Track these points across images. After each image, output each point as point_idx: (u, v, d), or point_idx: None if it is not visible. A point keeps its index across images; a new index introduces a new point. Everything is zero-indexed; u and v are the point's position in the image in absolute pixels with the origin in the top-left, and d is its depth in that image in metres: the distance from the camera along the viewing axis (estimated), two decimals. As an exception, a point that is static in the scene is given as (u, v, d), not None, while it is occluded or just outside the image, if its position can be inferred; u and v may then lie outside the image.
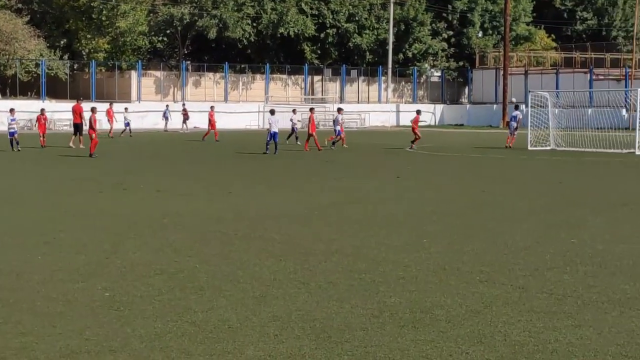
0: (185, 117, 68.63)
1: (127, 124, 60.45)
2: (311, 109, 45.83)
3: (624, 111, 65.19)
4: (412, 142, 44.82)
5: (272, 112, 41.61)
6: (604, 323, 9.55)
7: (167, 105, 72.07)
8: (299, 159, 37.43)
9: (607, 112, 51.46)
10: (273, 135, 39.68)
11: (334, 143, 44.69)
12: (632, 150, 41.89)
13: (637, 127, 42.69)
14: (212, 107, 58.41)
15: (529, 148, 45.06)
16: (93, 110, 38.22)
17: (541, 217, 18.27)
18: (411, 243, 14.81)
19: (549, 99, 47.41)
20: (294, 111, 51.51)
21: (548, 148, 45.28)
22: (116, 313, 9.88)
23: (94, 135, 37.33)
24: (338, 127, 44.74)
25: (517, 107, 48.08)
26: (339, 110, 46.69)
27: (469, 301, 10.57)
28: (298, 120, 50.07)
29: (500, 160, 37.75)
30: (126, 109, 64.19)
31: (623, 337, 9.00)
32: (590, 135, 45.71)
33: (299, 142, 47.54)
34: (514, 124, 46.81)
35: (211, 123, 55.02)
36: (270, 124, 40.23)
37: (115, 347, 8.52)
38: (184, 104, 72.10)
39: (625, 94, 61.37)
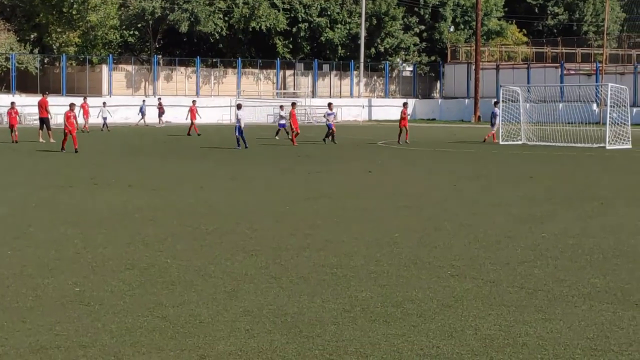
0: (161, 111, 68.59)
1: (105, 119, 60.39)
2: (293, 104, 45.73)
3: (594, 106, 65.58)
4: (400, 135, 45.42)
5: (239, 106, 41.51)
6: (574, 317, 9.60)
7: (143, 100, 71.83)
8: (271, 154, 37.39)
9: (578, 106, 51.69)
10: (240, 130, 39.50)
11: (328, 137, 44.80)
12: (602, 145, 42.14)
13: (607, 122, 42.95)
14: (194, 102, 58.26)
15: (501, 142, 45.25)
16: (71, 106, 37.78)
17: (512, 212, 18.35)
18: (383, 237, 14.83)
19: (520, 94, 47.63)
20: (281, 107, 51.24)
21: (519, 142, 45.47)
22: (86, 308, 9.84)
23: (73, 132, 36.90)
24: (329, 121, 44.73)
25: (495, 104, 48.15)
26: (330, 105, 46.83)
27: (440, 295, 10.60)
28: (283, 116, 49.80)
29: (471, 154, 37.87)
30: (104, 103, 63.93)
31: (593, 330, 9.05)
32: (561, 130, 45.95)
33: (277, 138, 47.51)
34: (493, 120, 47.11)
35: (192, 117, 54.75)
36: (238, 119, 40.09)
37: (86, 343, 8.48)
38: (159, 99, 71.87)
39: (596, 89, 61.75)
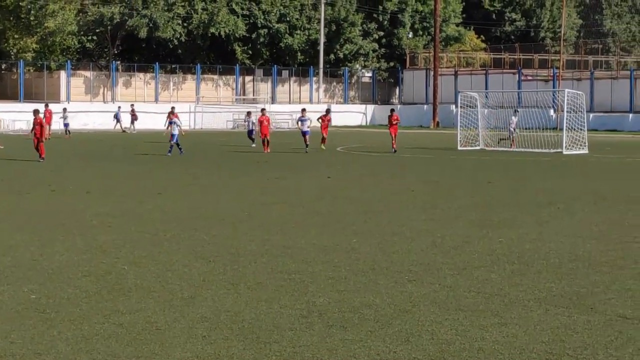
0: (134, 117, 68.49)
1: (66, 125, 60.05)
2: (262, 110, 45.44)
3: (551, 111, 66.05)
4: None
5: (172, 110, 41.59)
6: (530, 321, 9.68)
7: (119, 107, 71.45)
8: (231, 160, 37.33)
9: (536, 112, 52.03)
10: (175, 136, 39.13)
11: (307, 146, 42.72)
12: (559, 150, 42.49)
13: (564, 127, 43.33)
14: (172, 108, 56.95)
15: (459, 148, 45.47)
16: (35, 112, 36.42)
17: (470, 217, 18.44)
18: (341, 243, 14.85)
19: (478, 100, 47.93)
20: (248, 114, 50.79)
21: (477, 148, 45.74)
22: (42, 316, 9.77)
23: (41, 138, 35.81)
24: (304, 128, 42.91)
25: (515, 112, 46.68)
26: (303, 111, 45.22)
27: (397, 300, 10.64)
28: (252, 122, 49.29)
29: (429, 160, 38.04)
30: (65, 109, 63.47)
31: (548, 334, 9.13)
32: (519, 135, 46.24)
33: (253, 145, 46.63)
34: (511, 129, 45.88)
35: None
36: (177, 126, 39.70)
37: (41, 350, 8.43)
38: (132, 105, 71.57)
39: (553, 95, 62.21)
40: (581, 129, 44.11)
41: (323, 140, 44.60)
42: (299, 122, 44.07)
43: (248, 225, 16.96)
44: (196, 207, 19.92)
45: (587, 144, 43.36)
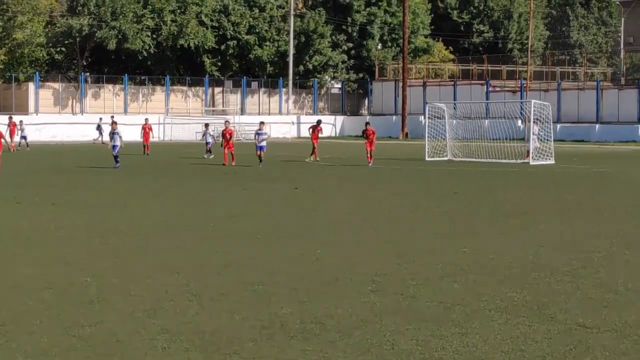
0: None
1: (24, 137, 59.61)
2: (226, 122, 45.17)
3: (519, 122, 66.36)
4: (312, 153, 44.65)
5: (114, 123, 41.07)
6: (490, 330, 9.73)
7: (100, 119, 71.10)
8: (199, 171, 37.24)
9: (503, 123, 52.23)
10: (114, 147, 38.56)
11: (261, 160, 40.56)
12: (526, 161, 42.70)
13: (531, 138, 43.57)
14: (146, 120, 57.25)
15: (427, 159, 45.60)
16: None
17: (435, 227, 18.50)
18: (306, 254, 14.87)
19: (446, 110, 48.11)
20: (206, 125, 50.69)
21: (445, 159, 45.89)
22: (1, 328, 9.71)
23: None
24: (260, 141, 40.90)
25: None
26: (261, 124, 43.46)
27: (359, 311, 10.66)
28: (210, 134, 49.19)
29: (397, 171, 38.12)
30: (21, 121, 63.05)
31: (508, 344, 9.18)
32: (486, 146, 46.38)
33: (212, 156, 46.26)
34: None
35: (145, 136, 53.54)
36: (119, 137, 39.08)
37: (0, 364, 8.39)
38: (112, 116, 71.25)
39: (521, 106, 62.49)
40: (548, 140, 44.34)
41: (313, 151, 44.90)
42: (256, 135, 41.91)
43: (213, 237, 16.95)
44: (161, 219, 19.87)
45: (553, 155, 43.59)
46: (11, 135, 57.86)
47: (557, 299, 11.38)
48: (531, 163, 42.12)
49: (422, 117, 62.98)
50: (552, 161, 42.86)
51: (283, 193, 26.93)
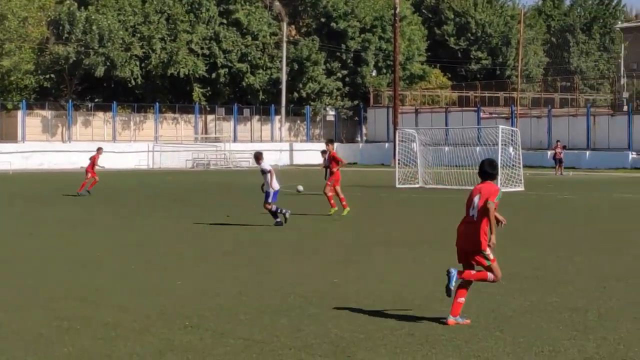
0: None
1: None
2: (98, 149, 39.83)
3: (510, 149, 65.44)
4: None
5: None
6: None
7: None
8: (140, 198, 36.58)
9: (494, 150, 51.00)
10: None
11: None
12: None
13: (499, 164, 42.64)
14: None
15: (397, 186, 44.78)
16: None
17: (328, 256, 17.69)
18: (163, 285, 14.11)
19: (417, 137, 47.37)
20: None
21: (416, 185, 45.12)
22: None
23: None
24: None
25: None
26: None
27: (147, 349, 9.89)
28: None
29: (352, 197, 37.21)
30: None
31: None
32: (462, 173, 45.16)
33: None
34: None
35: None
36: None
37: None
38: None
39: (512, 132, 61.53)
40: (517, 166, 43.53)
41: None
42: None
43: (90, 271, 16.24)
44: (42, 251, 19.19)
45: (522, 181, 42.74)
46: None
47: (373, 337, 10.56)
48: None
49: (415, 144, 62.14)
50: (521, 188, 41.99)
51: (209, 220, 26.07)
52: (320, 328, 10.98)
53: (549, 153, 70.17)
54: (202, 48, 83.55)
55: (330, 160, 28.51)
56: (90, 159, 38.45)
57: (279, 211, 23.95)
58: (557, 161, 62.31)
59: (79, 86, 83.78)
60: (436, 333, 10.67)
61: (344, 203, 27.49)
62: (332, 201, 27.65)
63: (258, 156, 24.79)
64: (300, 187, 35.01)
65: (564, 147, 65.45)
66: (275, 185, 24.19)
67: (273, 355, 9.62)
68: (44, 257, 17.71)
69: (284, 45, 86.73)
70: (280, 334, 10.69)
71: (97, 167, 38.33)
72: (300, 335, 10.62)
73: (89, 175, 37.80)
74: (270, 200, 23.99)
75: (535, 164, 71.12)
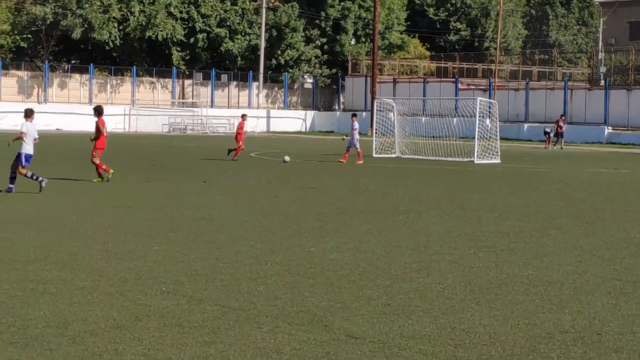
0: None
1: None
2: (243, 116, 41.83)
3: (487, 121, 65.56)
4: (233, 150, 39.51)
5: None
6: (246, 338, 8.92)
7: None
8: (121, 162, 36.45)
9: (467, 121, 51.30)
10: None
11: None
12: (471, 159, 41.94)
13: (476, 136, 42.82)
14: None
15: (374, 155, 44.80)
16: None
17: (306, 224, 17.66)
18: (136, 250, 14.07)
19: (395, 107, 47.34)
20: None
21: (393, 155, 45.14)
22: None
23: None
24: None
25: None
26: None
27: (123, 314, 9.84)
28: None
29: (329, 166, 37.23)
30: None
31: (262, 354, 8.39)
32: (438, 143, 45.38)
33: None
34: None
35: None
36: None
37: None
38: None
39: (490, 104, 61.61)
40: (494, 138, 43.64)
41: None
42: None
43: (61, 230, 16.14)
44: (33, 210, 19.08)
45: (499, 154, 42.85)
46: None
47: (350, 306, 10.56)
48: (476, 162, 41.37)
49: (392, 113, 62.13)
50: (497, 160, 42.11)
51: (185, 186, 26.04)
52: (297, 296, 10.96)
53: (526, 126, 70.41)
54: (180, 12, 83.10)
55: None
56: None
57: (34, 178, 22.50)
58: (559, 135, 62.08)
59: (56, 47, 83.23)
60: (413, 304, 10.67)
61: None
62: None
63: (28, 113, 23.05)
64: (287, 158, 35.33)
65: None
66: (30, 148, 22.62)
67: (250, 323, 9.59)
68: (19, 220, 17.60)
69: (263, 11, 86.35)
70: (257, 301, 10.66)
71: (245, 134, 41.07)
72: (278, 303, 10.59)
73: (240, 143, 39.73)
74: (23, 163, 22.42)
75: (512, 137, 71.38)
